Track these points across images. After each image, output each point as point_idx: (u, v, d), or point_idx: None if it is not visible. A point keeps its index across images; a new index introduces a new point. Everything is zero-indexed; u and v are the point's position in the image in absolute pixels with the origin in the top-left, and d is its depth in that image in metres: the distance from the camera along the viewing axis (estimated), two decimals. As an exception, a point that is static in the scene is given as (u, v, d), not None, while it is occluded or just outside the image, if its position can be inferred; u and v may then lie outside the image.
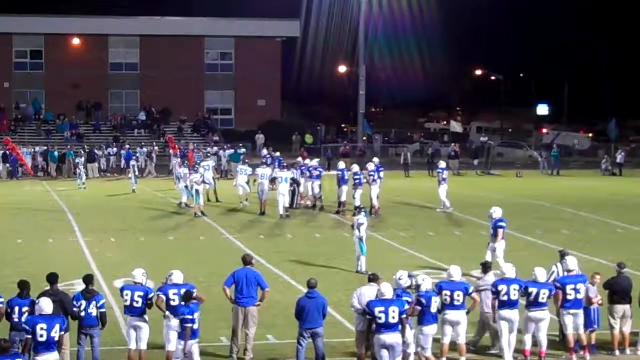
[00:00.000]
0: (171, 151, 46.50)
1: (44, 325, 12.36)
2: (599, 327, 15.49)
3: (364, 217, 21.86)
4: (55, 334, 12.39)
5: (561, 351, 15.24)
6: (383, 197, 32.79)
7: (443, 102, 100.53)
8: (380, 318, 13.34)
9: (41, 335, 12.34)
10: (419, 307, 13.96)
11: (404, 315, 13.42)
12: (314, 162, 34.24)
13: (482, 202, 33.02)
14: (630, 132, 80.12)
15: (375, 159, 35.50)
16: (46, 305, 12.60)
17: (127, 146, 49.69)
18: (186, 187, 32.95)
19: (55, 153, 47.87)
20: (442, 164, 34.27)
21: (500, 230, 21.00)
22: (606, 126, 70.56)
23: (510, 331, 14.65)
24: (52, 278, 13.97)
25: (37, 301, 12.80)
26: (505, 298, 14.57)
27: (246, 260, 15.24)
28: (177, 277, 14.39)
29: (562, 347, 15.34)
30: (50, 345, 12.37)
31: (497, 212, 21.26)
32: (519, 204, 35.29)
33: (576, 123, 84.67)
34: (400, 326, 13.41)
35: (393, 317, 13.29)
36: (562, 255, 16.11)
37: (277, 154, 41.43)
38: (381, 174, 32.87)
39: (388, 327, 13.32)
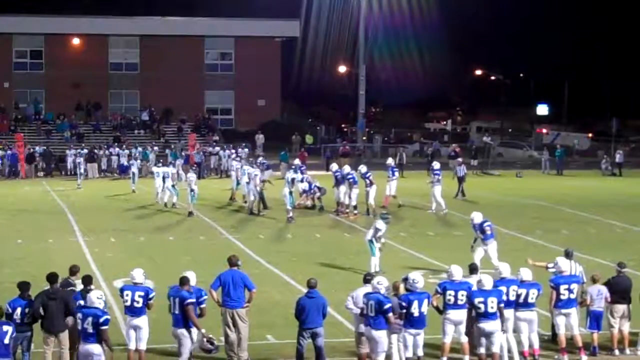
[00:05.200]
0: (184, 153, 46.39)
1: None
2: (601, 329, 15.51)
3: (383, 223, 21.20)
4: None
5: (552, 351, 15.26)
6: (382, 198, 32.81)
7: (443, 102, 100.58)
8: (479, 308, 14.04)
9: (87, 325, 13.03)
10: (402, 311, 13.90)
11: (502, 305, 14.07)
12: (346, 168, 32.12)
13: (482, 203, 33.04)
14: (630, 132, 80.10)
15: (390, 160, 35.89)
16: (96, 299, 13.17)
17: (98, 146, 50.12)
18: (173, 186, 32.99)
19: (148, 152, 47.88)
20: (437, 165, 33.76)
21: (488, 228, 20.92)
22: (607, 126, 70.53)
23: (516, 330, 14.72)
24: (52, 278, 14.00)
25: (87, 296, 13.38)
26: (504, 298, 14.53)
27: (232, 262, 15.04)
28: (192, 278, 14.38)
29: (553, 347, 15.37)
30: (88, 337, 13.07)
31: (477, 218, 21.19)
32: (519, 204, 35.30)
33: (576, 123, 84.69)
34: (499, 314, 14.07)
35: (492, 307, 14.00)
36: (567, 254, 16.08)
37: (261, 158, 40.20)
38: (393, 174, 33.34)
39: (487, 316, 14.02)
